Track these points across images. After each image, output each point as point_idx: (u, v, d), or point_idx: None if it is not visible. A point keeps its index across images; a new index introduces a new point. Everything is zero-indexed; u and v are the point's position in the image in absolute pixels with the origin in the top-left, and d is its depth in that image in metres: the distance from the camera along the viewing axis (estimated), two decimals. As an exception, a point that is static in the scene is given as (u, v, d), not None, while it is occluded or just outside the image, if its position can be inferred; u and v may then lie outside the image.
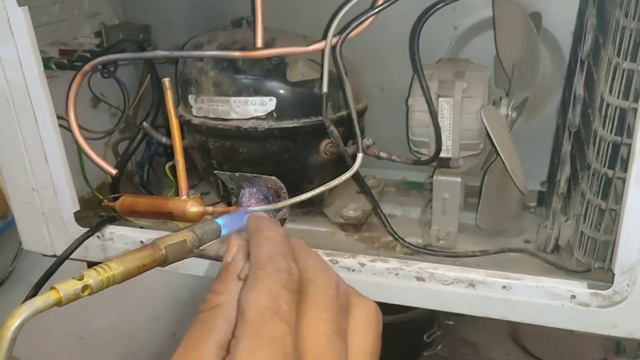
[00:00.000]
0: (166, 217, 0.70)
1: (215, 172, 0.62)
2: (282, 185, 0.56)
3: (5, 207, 1.75)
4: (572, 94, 0.70)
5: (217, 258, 0.52)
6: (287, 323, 0.28)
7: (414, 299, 0.70)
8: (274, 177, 0.57)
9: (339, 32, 0.66)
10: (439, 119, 0.72)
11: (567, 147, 0.72)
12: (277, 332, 0.28)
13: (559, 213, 0.72)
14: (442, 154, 0.74)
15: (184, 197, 0.70)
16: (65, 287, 0.34)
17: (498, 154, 0.71)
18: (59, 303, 0.33)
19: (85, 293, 0.35)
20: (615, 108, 0.59)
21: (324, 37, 0.67)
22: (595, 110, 0.63)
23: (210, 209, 0.68)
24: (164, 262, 0.40)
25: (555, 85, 0.86)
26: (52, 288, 0.33)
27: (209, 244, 0.48)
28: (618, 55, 0.57)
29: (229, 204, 0.68)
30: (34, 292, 0.76)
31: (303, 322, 0.30)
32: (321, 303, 0.31)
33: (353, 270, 0.71)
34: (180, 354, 0.30)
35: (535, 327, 0.67)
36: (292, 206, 0.60)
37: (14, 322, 0.32)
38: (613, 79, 0.58)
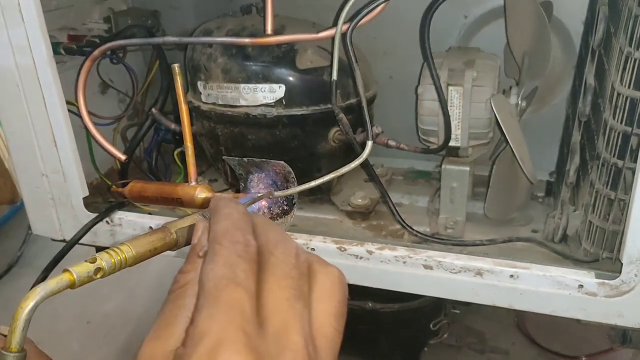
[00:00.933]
0: (175, 203, 0.70)
1: (223, 157, 0.62)
2: (291, 170, 0.57)
3: (14, 192, 1.77)
4: (582, 83, 0.69)
5: None
6: (244, 289, 0.29)
7: (421, 287, 0.70)
8: (282, 162, 0.57)
9: (350, 19, 0.65)
10: (449, 108, 0.72)
11: (576, 136, 0.72)
12: (234, 297, 0.29)
13: (567, 203, 0.72)
14: (451, 143, 0.74)
15: (193, 183, 0.70)
16: (79, 269, 0.34)
17: (507, 143, 0.70)
18: (72, 285, 0.34)
19: (98, 275, 0.35)
20: (626, 98, 0.58)
21: (334, 24, 0.67)
22: (605, 100, 0.62)
23: (219, 195, 0.68)
24: (174, 245, 0.41)
25: (566, 75, 0.86)
26: (66, 270, 0.34)
27: None
28: (630, 44, 0.57)
29: (237, 191, 0.69)
30: (43, 276, 0.77)
31: (264, 290, 0.31)
32: (281, 271, 0.32)
33: (361, 257, 0.71)
34: (153, 332, 0.32)
35: (541, 316, 0.67)
36: (300, 194, 0.60)
37: (29, 304, 0.32)
38: (624, 68, 0.58)
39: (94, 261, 0.35)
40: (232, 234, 0.33)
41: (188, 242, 0.42)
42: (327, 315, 0.33)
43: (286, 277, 0.32)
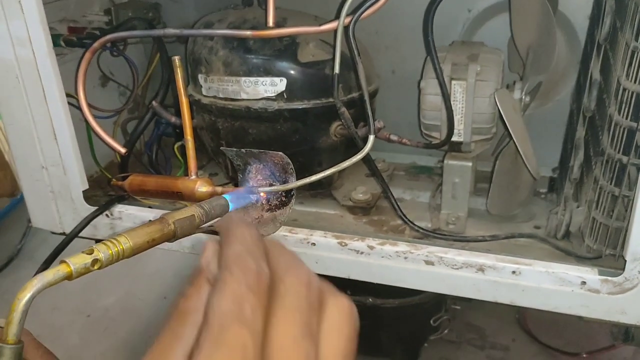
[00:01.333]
0: (175, 196, 0.70)
1: (222, 148, 0.62)
2: (289, 161, 0.56)
3: (14, 185, 1.77)
4: (587, 78, 0.69)
5: None
6: (249, 329, 0.28)
7: (422, 282, 0.70)
8: (280, 153, 0.56)
9: (352, 13, 0.65)
10: (452, 102, 0.71)
11: (581, 132, 0.72)
12: (238, 339, 0.27)
13: (570, 199, 0.71)
14: (454, 138, 0.73)
15: (193, 177, 0.69)
16: (76, 260, 0.34)
17: (510, 139, 0.70)
18: (69, 277, 0.33)
19: (95, 267, 0.35)
20: (632, 93, 0.58)
21: (337, 17, 0.66)
22: (611, 95, 0.61)
23: (219, 189, 0.68)
24: (172, 236, 0.40)
25: (570, 70, 0.85)
26: (63, 262, 0.33)
27: (216, 219, 0.48)
28: (636, 39, 0.56)
29: (237, 185, 0.68)
30: (43, 268, 0.76)
31: (271, 325, 0.29)
32: (290, 303, 0.30)
33: (362, 253, 0.71)
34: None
35: (542, 312, 0.67)
36: (301, 188, 0.59)
37: (26, 295, 0.32)
38: (630, 63, 0.57)
39: (91, 252, 0.34)
40: (245, 260, 0.31)
41: (186, 234, 0.42)
42: (335, 353, 0.31)
43: (295, 310, 0.30)
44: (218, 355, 0.26)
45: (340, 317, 0.32)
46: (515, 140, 0.69)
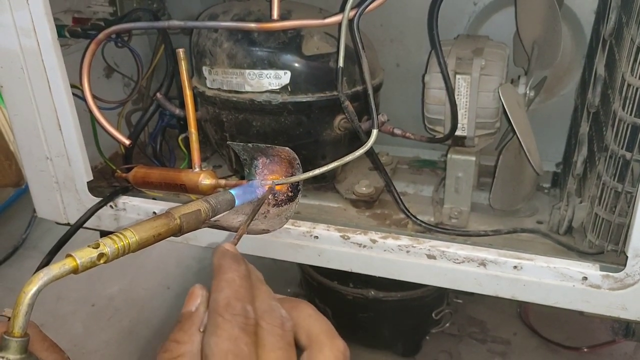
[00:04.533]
0: (179, 189, 0.70)
1: (227, 143, 0.62)
2: (296, 155, 0.56)
3: (19, 175, 1.78)
4: (592, 73, 0.68)
5: (230, 228, 0.52)
6: None
7: (424, 276, 0.70)
8: (287, 148, 0.56)
9: (357, 6, 0.65)
10: (456, 97, 0.71)
11: (585, 127, 0.71)
12: None
13: (573, 194, 0.71)
14: (458, 132, 0.73)
15: (197, 169, 0.70)
16: (82, 254, 0.34)
17: (514, 133, 0.70)
18: (75, 271, 0.34)
19: (101, 261, 0.35)
20: (637, 89, 0.57)
21: (341, 10, 0.66)
22: (615, 91, 0.61)
23: (222, 181, 0.68)
24: (178, 231, 0.40)
25: (575, 65, 0.85)
26: (69, 255, 0.34)
27: (222, 214, 0.48)
28: (642, 34, 0.56)
29: (242, 178, 0.68)
30: (48, 259, 0.77)
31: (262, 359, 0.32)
32: (270, 343, 0.33)
33: (364, 246, 0.71)
34: None
35: (544, 307, 0.67)
36: (304, 181, 0.59)
37: (31, 289, 0.32)
38: (635, 59, 0.57)
39: (97, 247, 0.35)
40: (234, 306, 0.34)
41: (192, 229, 0.42)
42: None
43: (275, 349, 0.33)
44: None
45: (335, 358, 0.35)
46: (518, 135, 0.69)
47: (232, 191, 0.48)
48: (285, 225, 0.73)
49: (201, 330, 0.34)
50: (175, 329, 0.35)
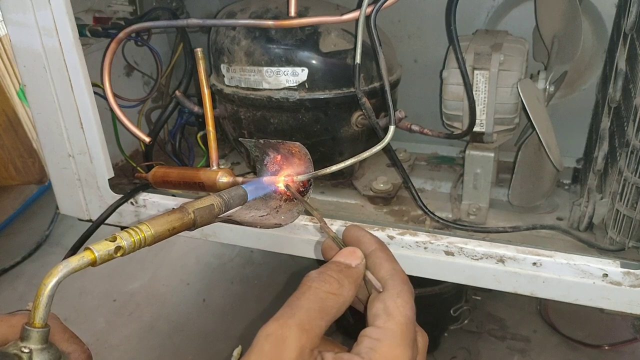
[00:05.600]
0: (197, 187, 0.71)
1: (239, 139, 0.62)
2: (307, 151, 0.56)
3: (42, 172, 1.81)
4: (613, 68, 0.67)
5: (243, 223, 0.52)
6: (415, 334, 0.37)
7: (442, 273, 0.70)
8: (298, 143, 0.56)
9: (374, 2, 0.65)
10: (474, 92, 0.71)
11: (606, 123, 0.70)
12: (414, 339, 0.36)
13: (594, 191, 0.70)
14: (476, 128, 0.73)
15: (215, 167, 0.70)
16: (100, 247, 0.35)
17: (534, 129, 0.69)
18: (93, 263, 0.34)
19: (118, 254, 0.35)
20: (659, 83, 0.57)
21: (359, 6, 0.66)
22: (637, 85, 0.60)
23: (240, 179, 0.68)
24: (192, 225, 0.41)
25: (596, 59, 0.83)
26: (87, 248, 0.34)
27: (235, 209, 0.49)
28: (664, 28, 0.55)
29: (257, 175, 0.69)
30: (70, 255, 0.78)
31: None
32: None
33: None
34: (297, 318, 0.34)
35: (564, 304, 0.67)
36: (322, 178, 0.60)
37: (51, 280, 0.33)
38: (658, 53, 0.56)
39: (114, 240, 0.35)
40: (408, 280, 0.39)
41: (205, 223, 0.42)
42: None
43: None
44: (402, 347, 0.34)
45: (424, 344, 0.40)
46: (538, 131, 0.68)
47: (245, 186, 0.48)
48: (302, 222, 0.73)
49: (379, 290, 0.38)
50: (333, 270, 0.38)
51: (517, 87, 0.69)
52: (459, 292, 1.16)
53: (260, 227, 0.53)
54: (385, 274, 0.39)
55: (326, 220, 0.73)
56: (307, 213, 0.73)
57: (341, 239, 0.44)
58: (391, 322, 0.35)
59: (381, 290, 0.38)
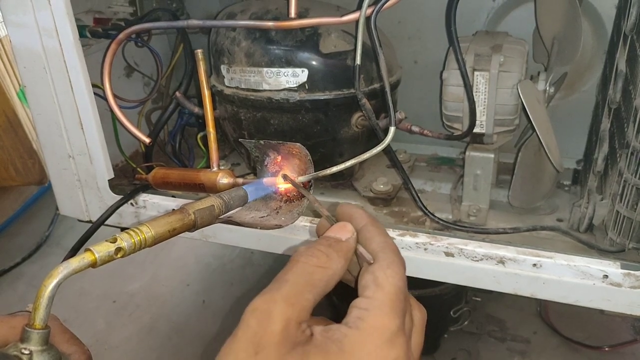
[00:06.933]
0: (197, 188, 0.71)
1: (239, 140, 0.62)
2: (307, 152, 0.56)
3: (42, 173, 1.81)
4: (613, 69, 0.67)
5: (243, 224, 0.52)
6: (407, 304, 0.36)
7: (442, 274, 0.70)
8: (298, 144, 0.56)
9: (374, 3, 0.65)
10: (474, 94, 0.71)
11: (606, 124, 0.70)
12: (404, 309, 0.36)
13: (594, 192, 0.70)
14: (476, 130, 0.73)
15: (215, 168, 0.70)
16: (100, 249, 0.35)
17: (534, 130, 0.69)
18: (93, 264, 0.34)
19: (119, 255, 0.35)
20: (659, 84, 0.57)
21: (359, 7, 0.66)
22: (637, 86, 0.60)
23: (240, 180, 0.68)
24: (192, 226, 0.41)
25: (596, 61, 0.83)
26: (87, 250, 0.34)
27: (235, 210, 0.49)
28: (665, 29, 0.55)
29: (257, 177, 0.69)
30: (70, 256, 0.78)
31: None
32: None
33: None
34: (283, 292, 0.33)
35: (564, 305, 0.67)
36: (322, 179, 0.60)
37: (52, 282, 0.33)
38: (658, 54, 0.56)
39: (114, 241, 0.35)
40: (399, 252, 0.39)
41: (206, 224, 0.42)
42: (419, 348, 0.39)
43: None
44: (392, 316, 0.34)
45: (421, 318, 0.40)
46: (538, 132, 0.68)
47: (245, 187, 0.49)
48: (302, 223, 0.73)
49: (370, 262, 0.38)
50: (322, 244, 0.38)
51: (517, 89, 0.69)
52: (459, 294, 1.16)
53: (260, 228, 0.53)
54: (376, 246, 0.39)
55: (326, 221, 0.73)
56: (312, 210, 0.73)
57: (334, 218, 0.43)
58: (380, 292, 0.35)
59: (372, 262, 0.38)
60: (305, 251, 0.37)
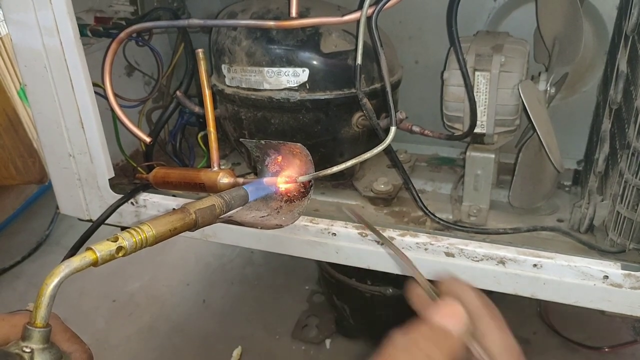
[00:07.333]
0: (198, 188, 0.71)
1: (241, 140, 0.62)
2: (308, 152, 0.56)
3: (43, 172, 1.80)
4: (614, 70, 0.67)
5: (243, 223, 0.53)
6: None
7: (442, 274, 0.70)
8: (299, 144, 0.56)
9: (375, 3, 0.65)
10: (475, 94, 0.71)
11: (607, 124, 0.70)
12: None
13: (595, 192, 0.70)
14: (477, 130, 0.73)
15: (216, 168, 0.70)
16: (101, 248, 0.35)
17: (534, 131, 0.69)
18: (94, 263, 0.34)
19: (120, 254, 0.36)
20: (660, 85, 0.56)
21: (360, 7, 0.66)
22: (638, 87, 0.60)
23: (241, 180, 0.68)
24: (193, 226, 0.41)
25: (597, 61, 0.83)
26: (89, 249, 0.34)
27: (236, 209, 0.49)
28: (666, 29, 0.55)
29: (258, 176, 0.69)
30: (71, 254, 0.78)
31: None
32: None
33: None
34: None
35: (564, 306, 0.67)
36: (323, 179, 0.60)
37: (53, 280, 0.33)
38: (659, 54, 0.56)
39: (115, 240, 0.35)
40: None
41: (206, 223, 0.42)
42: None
43: None
44: None
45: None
46: (539, 133, 0.68)
47: (246, 187, 0.49)
48: (303, 223, 0.73)
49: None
50: (424, 336, 0.34)
51: (518, 89, 0.69)
52: (459, 294, 1.16)
53: (261, 228, 0.53)
54: (494, 347, 0.33)
55: (326, 220, 0.73)
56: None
57: (436, 290, 0.37)
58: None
59: None
60: (403, 346, 0.30)
